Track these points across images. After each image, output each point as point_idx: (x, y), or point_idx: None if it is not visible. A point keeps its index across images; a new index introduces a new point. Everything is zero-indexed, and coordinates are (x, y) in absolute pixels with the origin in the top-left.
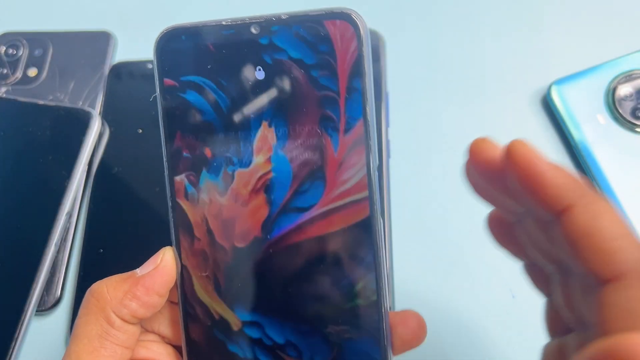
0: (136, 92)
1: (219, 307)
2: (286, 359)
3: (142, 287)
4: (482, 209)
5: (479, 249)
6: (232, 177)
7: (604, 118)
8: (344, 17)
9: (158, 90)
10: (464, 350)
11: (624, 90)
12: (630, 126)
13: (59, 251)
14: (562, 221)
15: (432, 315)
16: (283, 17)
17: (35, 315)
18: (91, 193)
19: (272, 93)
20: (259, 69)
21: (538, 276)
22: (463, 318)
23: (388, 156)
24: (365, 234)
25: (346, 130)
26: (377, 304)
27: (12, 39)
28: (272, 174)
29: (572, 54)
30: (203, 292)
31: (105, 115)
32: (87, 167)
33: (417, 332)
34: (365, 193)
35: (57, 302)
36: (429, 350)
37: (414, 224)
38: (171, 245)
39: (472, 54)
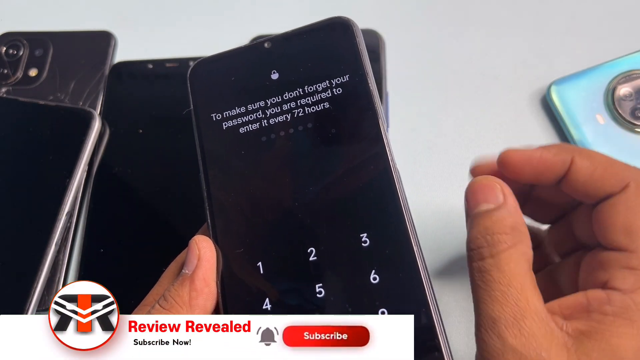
0: (137, 92)
1: (254, 280)
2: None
3: (199, 281)
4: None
5: None
6: (259, 156)
7: (603, 118)
8: (337, 21)
9: (192, 108)
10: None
11: (624, 90)
12: (629, 126)
13: (59, 251)
14: (570, 173)
15: None
16: (291, 31)
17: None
18: (91, 193)
19: (287, 86)
20: (274, 72)
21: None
22: (463, 319)
23: None
24: (386, 183)
25: (354, 103)
26: (407, 244)
27: (13, 39)
28: (294, 148)
29: (572, 54)
30: (239, 269)
31: (106, 115)
32: (87, 167)
33: None
34: (379, 146)
35: None
36: None
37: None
38: (207, 230)
39: (472, 54)
